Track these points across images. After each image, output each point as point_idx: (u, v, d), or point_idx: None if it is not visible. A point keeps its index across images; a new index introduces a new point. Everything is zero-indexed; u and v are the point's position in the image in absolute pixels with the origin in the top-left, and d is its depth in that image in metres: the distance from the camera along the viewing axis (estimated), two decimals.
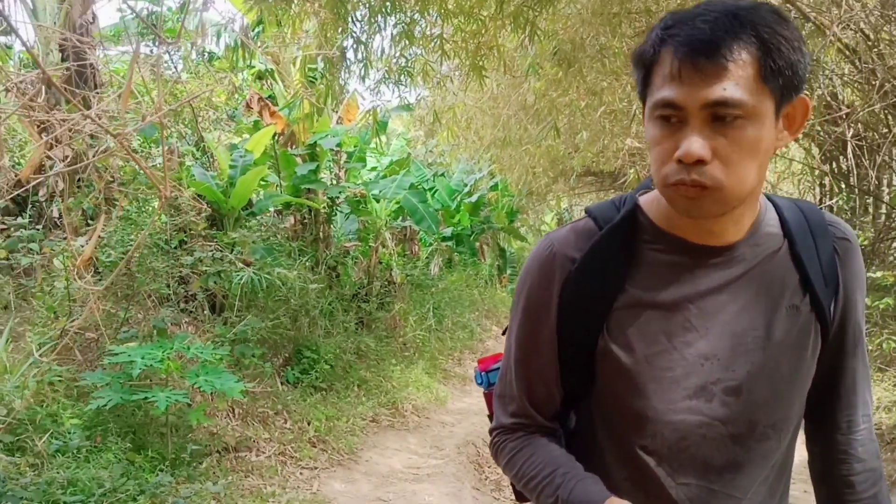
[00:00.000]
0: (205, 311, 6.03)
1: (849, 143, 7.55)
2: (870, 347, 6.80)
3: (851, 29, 5.13)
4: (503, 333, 1.38)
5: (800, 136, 9.14)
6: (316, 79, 8.07)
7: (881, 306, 6.83)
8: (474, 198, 14.87)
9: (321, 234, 8.59)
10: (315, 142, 8.26)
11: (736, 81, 1.00)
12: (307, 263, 7.59)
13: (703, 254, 1.18)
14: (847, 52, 5.79)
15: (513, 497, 1.47)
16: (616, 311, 1.19)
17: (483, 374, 1.56)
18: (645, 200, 1.24)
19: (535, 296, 1.25)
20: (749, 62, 1.00)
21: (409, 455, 6.13)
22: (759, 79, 1.01)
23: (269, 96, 8.60)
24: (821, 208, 1.28)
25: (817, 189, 10.82)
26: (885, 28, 5.24)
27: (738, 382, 1.17)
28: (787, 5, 5.80)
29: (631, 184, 8.09)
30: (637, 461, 1.20)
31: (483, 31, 5.52)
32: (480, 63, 5.64)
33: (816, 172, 10.12)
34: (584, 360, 1.22)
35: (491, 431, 1.37)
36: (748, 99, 1.01)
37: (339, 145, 8.32)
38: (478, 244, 15.90)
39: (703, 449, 1.18)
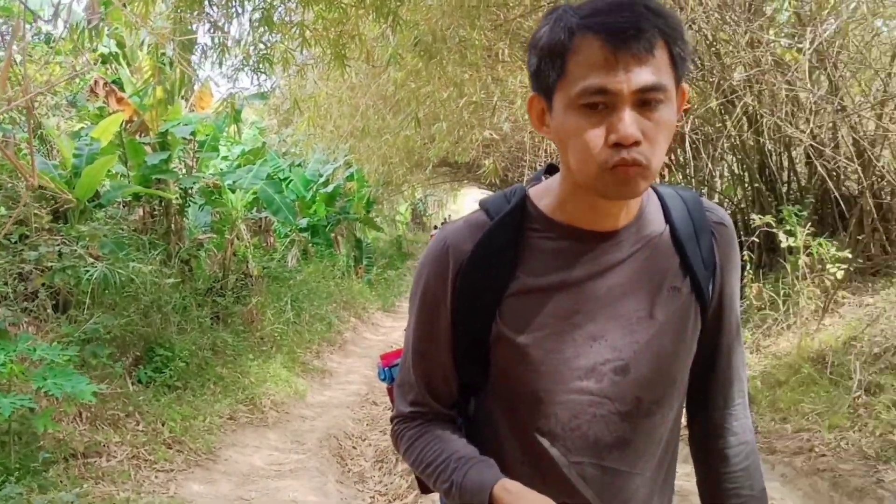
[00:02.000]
0: (47, 311, 5.64)
1: (686, 136, 8.04)
2: None
3: (693, 29, 5.47)
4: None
5: None
6: (167, 64, 7.70)
7: None
8: (330, 188, 14.73)
9: (173, 226, 8.22)
10: (167, 130, 7.89)
11: (659, 67, 1.06)
12: (159, 257, 7.25)
13: (591, 239, 1.22)
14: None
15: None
16: (508, 297, 1.22)
17: (386, 369, 1.58)
18: (534, 192, 1.27)
19: (431, 289, 1.27)
20: (664, 49, 1.06)
21: (269, 451, 6.01)
22: (671, 65, 1.08)
23: (114, 81, 8.12)
24: (700, 195, 1.35)
25: (658, 179, 11.51)
26: (723, 29, 5.62)
27: (626, 362, 1.21)
28: None
29: (487, 174, 8.25)
30: (533, 443, 1.24)
31: (345, 20, 5.46)
32: (342, 52, 5.57)
33: (666, 150, 10.71)
34: (481, 348, 1.25)
35: (391, 420, 1.39)
36: (667, 83, 1.07)
37: (192, 134, 7.98)
38: (333, 235, 15.77)
39: (594, 427, 1.22)
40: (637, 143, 1.05)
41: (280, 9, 5.50)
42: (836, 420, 4.80)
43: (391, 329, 12.88)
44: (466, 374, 1.31)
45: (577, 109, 1.07)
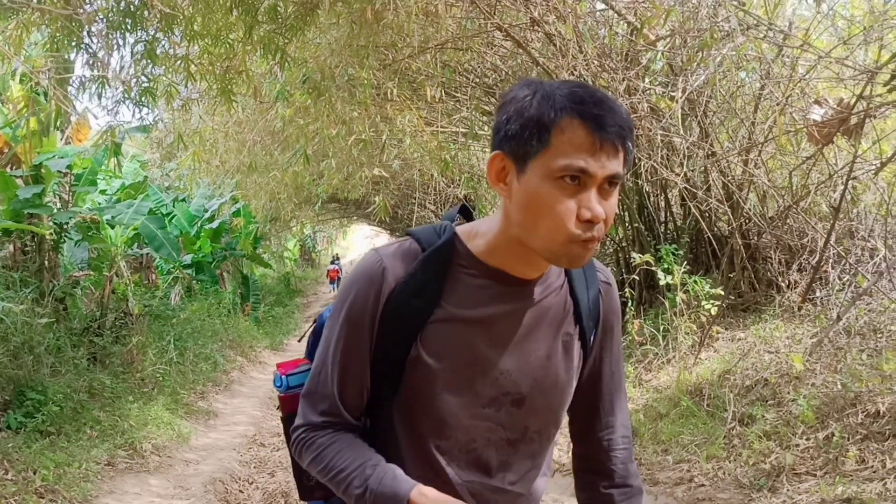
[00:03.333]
0: None
1: None
2: None
3: (574, 75, 5.69)
4: (299, 340, 1.54)
5: None
6: (42, 95, 7.36)
7: None
8: (216, 224, 14.37)
9: (47, 262, 7.78)
10: (40, 163, 7.50)
11: (622, 160, 1.23)
12: (31, 295, 6.85)
13: (511, 283, 1.36)
14: None
15: None
16: (431, 324, 1.33)
17: (284, 377, 1.61)
18: (462, 232, 1.39)
19: (360, 304, 1.36)
20: (624, 146, 1.23)
21: (150, 499, 5.72)
22: (625, 158, 1.25)
23: None
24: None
25: None
26: (601, 76, 5.88)
27: (523, 395, 1.38)
28: (519, 50, 6.31)
29: (378, 211, 8.24)
30: (431, 459, 1.37)
31: (232, 55, 5.38)
32: (229, 87, 5.49)
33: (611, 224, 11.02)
34: (394, 368, 1.36)
35: (295, 429, 1.43)
36: (622, 174, 1.25)
37: (68, 167, 7.63)
38: (218, 271, 15.35)
39: (486, 451, 1.38)
40: (601, 222, 1.22)
41: (164, 42, 5.36)
42: (713, 450, 5.00)
43: None
44: (376, 388, 1.40)
45: (557, 181, 1.20)
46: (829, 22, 4.89)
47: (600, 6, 5.96)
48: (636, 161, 6.56)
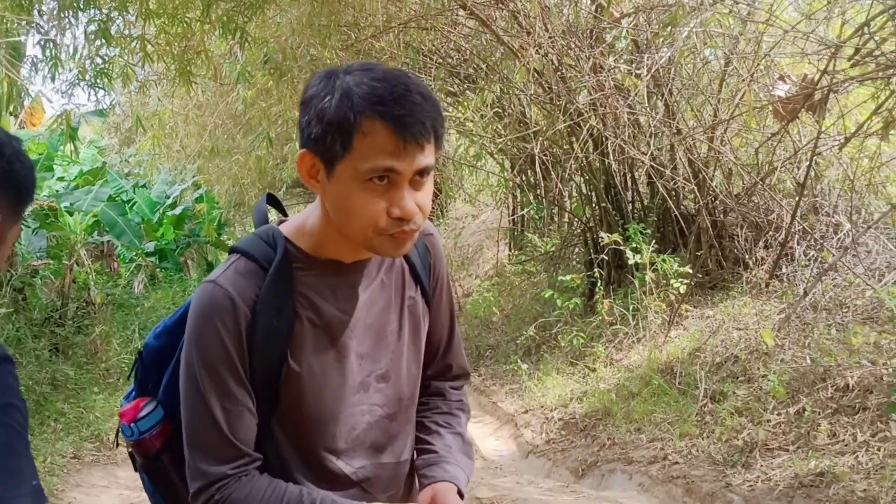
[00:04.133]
0: None
1: (536, 158, 8.26)
2: (562, 344, 7.50)
3: (539, 53, 5.63)
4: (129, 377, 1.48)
5: (495, 151, 9.80)
6: None
7: (570, 306, 7.58)
8: (178, 210, 14.13)
9: None
10: None
11: (431, 150, 1.24)
12: None
13: (349, 270, 1.38)
14: (536, 75, 6.34)
15: None
16: (295, 336, 1.33)
17: (132, 425, 1.50)
18: (290, 231, 1.38)
19: (218, 343, 1.30)
20: (433, 134, 1.23)
21: (119, 491, 5.61)
22: (436, 145, 1.26)
23: None
24: None
25: (510, 199, 11.80)
26: (567, 54, 5.82)
27: (385, 370, 1.43)
28: (483, 29, 6.22)
29: None
30: (321, 462, 1.39)
31: (190, 35, 5.23)
32: (188, 68, 5.33)
33: (510, 185, 11.00)
34: (271, 387, 1.34)
35: (202, 489, 1.32)
36: (434, 161, 1.27)
37: None
38: (182, 259, 15.12)
39: (369, 434, 1.42)
40: (412, 217, 1.24)
41: (118, 21, 5.19)
42: (686, 428, 5.01)
43: None
44: (258, 411, 1.37)
45: (363, 183, 1.21)
46: None
47: None
48: (603, 139, 6.53)
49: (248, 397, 1.33)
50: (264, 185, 12.55)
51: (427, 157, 1.23)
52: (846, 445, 4.11)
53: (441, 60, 7.27)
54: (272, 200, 1.54)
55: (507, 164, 10.36)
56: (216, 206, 15.17)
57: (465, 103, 8.14)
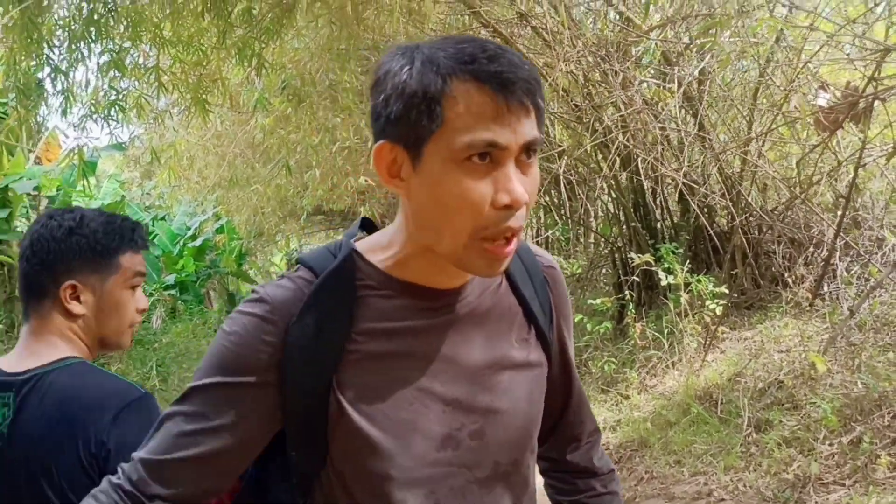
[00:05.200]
0: None
1: (561, 177, 8.06)
2: (592, 370, 7.24)
3: (566, 70, 5.45)
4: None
5: None
6: (6, 114, 7.06)
7: (601, 330, 7.33)
8: (199, 241, 14.09)
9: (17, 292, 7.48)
10: (6, 185, 7.19)
11: (535, 120, 1.00)
12: (1, 325, 6.54)
13: (433, 297, 1.12)
14: (561, 92, 6.16)
15: None
16: (346, 364, 1.07)
17: None
18: (364, 247, 1.14)
19: (245, 362, 1.06)
20: (534, 102, 1.00)
21: None
22: (538, 119, 1.02)
23: None
24: (524, 240, 1.26)
25: (534, 220, 11.61)
26: (595, 69, 5.64)
27: (480, 424, 1.13)
28: (504, 45, 6.05)
29: None
30: None
31: (205, 63, 5.11)
32: (203, 97, 5.20)
33: (534, 205, 10.79)
34: (313, 431, 1.08)
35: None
36: (541, 138, 1.03)
37: (36, 189, 7.31)
38: (204, 290, 15.04)
39: (450, 501, 1.11)
40: (523, 206, 1.00)
41: (132, 52, 5.08)
42: (730, 461, 4.73)
43: None
44: (303, 461, 1.12)
45: (464, 164, 0.97)
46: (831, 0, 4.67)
47: None
48: (633, 156, 6.32)
49: (228, 438, 1.06)
50: (285, 213, 12.48)
51: (532, 128, 0.99)
52: None
53: None
54: (367, 225, 1.23)
55: None
56: (236, 237, 15.11)
57: None
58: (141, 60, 5.25)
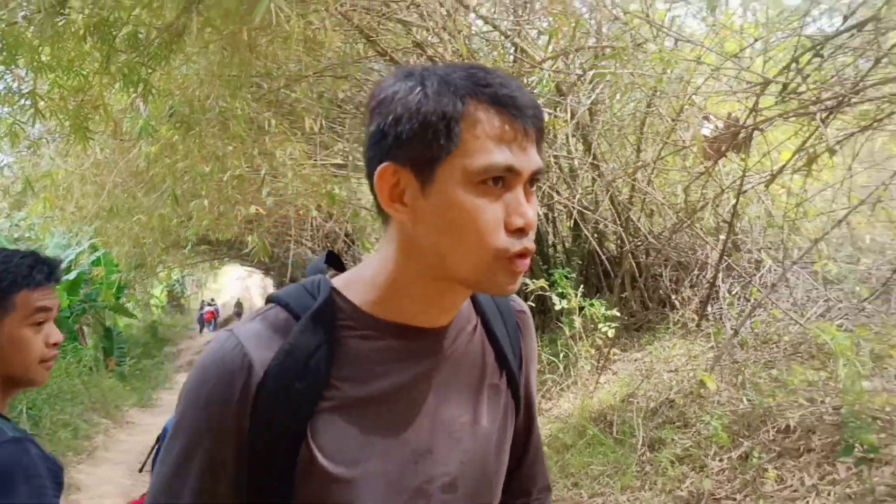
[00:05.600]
0: None
1: None
2: None
3: None
4: (140, 470, 1.17)
5: None
6: None
7: None
8: (73, 275, 13.35)
9: None
10: None
11: (538, 149, 1.01)
12: None
13: (416, 337, 1.07)
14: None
15: None
16: (322, 412, 1.01)
17: None
18: (342, 284, 1.08)
19: (217, 414, 0.99)
20: (541, 130, 1.02)
21: None
22: (539, 147, 1.03)
23: None
24: None
25: None
26: None
27: (453, 476, 1.08)
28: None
29: (255, 252, 7.77)
30: None
31: (87, 88, 4.85)
32: (84, 124, 4.94)
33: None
34: (280, 481, 1.00)
35: None
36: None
37: None
38: (77, 326, 14.25)
39: None
40: (533, 229, 1.00)
41: (7, 76, 4.77)
42: (626, 480, 4.84)
43: (150, 427, 11.63)
44: None
45: (475, 186, 0.96)
46: (715, 34, 4.92)
47: (483, 26, 5.83)
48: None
49: (230, 489, 1.01)
50: (168, 243, 12.01)
51: (539, 158, 1.00)
52: (795, 491, 4.00)
53: (356, 110, 7.07)
54: (332, 259, 1.19)
55: None
56: (115, 269, 14.42)
57: None
58: (15, 85, 4.93)
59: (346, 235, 11.71)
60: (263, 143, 5.87)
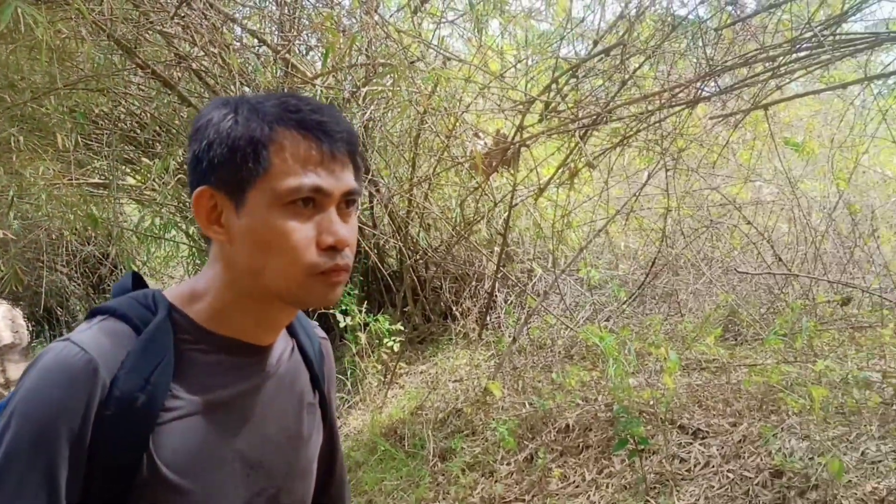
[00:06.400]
0: None
1: None
2: None
3: None
4: None
5: (181, 220, 9.10)
6: None
7: None
8: None
9: None
10: None
11: (355, 173, 1.08)
12: None
13: (248, 353, 1.13)
14: None
15: None
16: (163, 424, 1.03)
17: None
18: (176, 297, 1.11)
19: (57, 422, 0.96)
20: (353, 158, 1.09)
21: None
22: (357, 173, 1.10)
23: None
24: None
25: (188, 276, 11.09)
26: None
27: (278, 488, 1.15)
28: (166, 89, 5.71)
29: (7, 281, 6.98)
30: None
31: None
32: None
33: (202, 253, 10.33)
34: (121, 489, 1.01)
35: None
36: (360, 190, 1.10)
37: None
38: None
39: None
40: (346, 247, 1.06)
41: None
42: (420, 492, 4.88)
43: None
44: None
45: (284, 207, 1.02)
46: (482, 55, 5.11)
47: (254, 40, 5.64)
48: None
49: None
50: None
51: (352, 178, 1.07)
52: (577, 487, 4.23)
53: (112, 125, 6.56)
54: (138, 281, 1.17)
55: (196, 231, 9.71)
56: None
57: (145, 171, 7.45)
58: None
59: (106, 257, 10.91)
60: (10, 162, 5.29)
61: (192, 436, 1.05)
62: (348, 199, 1.07)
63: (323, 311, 6.61)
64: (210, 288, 1.10)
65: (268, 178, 1.02)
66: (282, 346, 1.20)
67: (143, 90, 6.26)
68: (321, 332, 1.35)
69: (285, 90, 5.27)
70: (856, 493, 3.03)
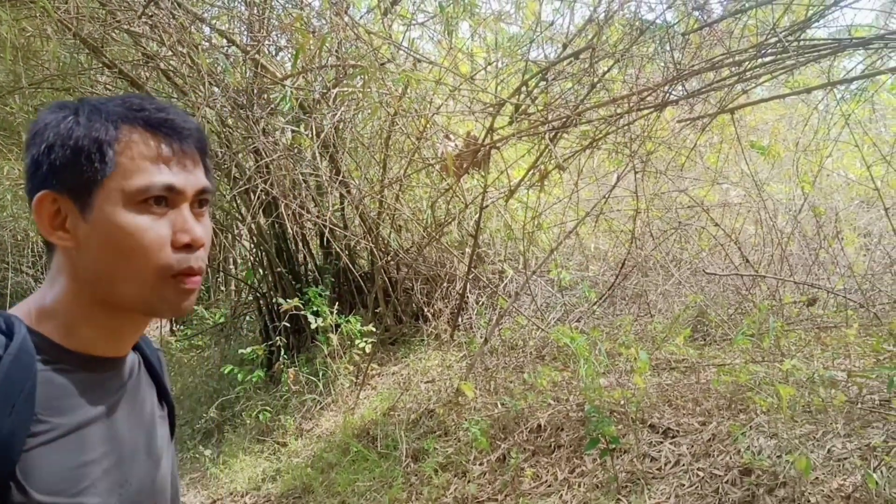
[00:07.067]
0: None
1: None
2: (247, 421, 7.01)
3: (201, 116, 5.24)
4: None
5: None
6: None
7: (254, 380, 7.13)
8: None
9: None
10: None
11: (204, 171, 1.06)
12: None
13: (102, 367, 1.10)
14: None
15: None
16: (30, 450, 0.98)
17: None
18: (27, 315, 1.06)
19: None
20: (202, 157, 1.08)
21: None
22: (207, 172, 1.09)
23: None
24: None
25: None
26: (233, 114, 5.51)
27: None
28: (133, 89, 5.65)
29: None
30: None
31: None
32: None
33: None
34: None
35: None
36: (212, 189, 1.09)
37: None
38: None
39: None
40: (202, 247, 1.04)
41: None
42: (393, 493, 4.88)
43: None
44: None
45: (135, 206, 0.99)
46: (452, 57, 5.13)
47: (222, 40, 5.60)
48: (275, 203, 6.28)
49: None
50: None
51: (203, 176, 1.05)
52: (549, 486, 4.27)
53: None
54: None
55: None
56: None
57: None
58: None
59: None
60: None
61: (60, 458, 1.01)
62: (201, 199, 1.05)
63: (294, 312, 6.60)
64: (58, 303, 1.05)
65: (115, 177, 0.98)
66: (131, 358, 1.17)
67: (110, 90, 6.18)
68: (156, 345, 1.32)
69: (255, 91, 5.26)
70: (822, 490, 3.09)
